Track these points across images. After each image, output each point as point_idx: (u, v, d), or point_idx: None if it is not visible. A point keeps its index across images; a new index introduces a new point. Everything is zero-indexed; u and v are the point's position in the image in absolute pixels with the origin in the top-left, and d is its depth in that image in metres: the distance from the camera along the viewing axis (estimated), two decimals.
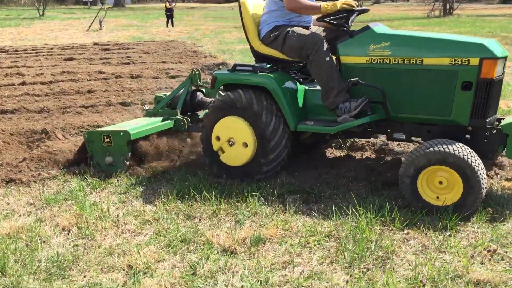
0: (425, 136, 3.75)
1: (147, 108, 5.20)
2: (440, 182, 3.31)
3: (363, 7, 3.93)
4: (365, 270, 2.73)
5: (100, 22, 23.52)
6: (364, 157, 4.61)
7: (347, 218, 3.31)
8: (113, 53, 12.80)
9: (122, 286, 2.65)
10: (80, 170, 4.37)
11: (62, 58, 11.81)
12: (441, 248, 2.93)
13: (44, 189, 4.04)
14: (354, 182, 3.96)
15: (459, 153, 3.20)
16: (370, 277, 2.65)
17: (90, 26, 23.27)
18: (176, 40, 16.70)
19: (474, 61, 3.37)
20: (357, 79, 3.63)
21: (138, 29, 23.45)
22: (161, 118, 4.72)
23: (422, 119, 3.71)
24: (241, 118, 3.93)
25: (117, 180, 4.17)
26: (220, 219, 3.40)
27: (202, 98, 5.01)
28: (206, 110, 4.98)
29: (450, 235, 3.06)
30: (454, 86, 3.47)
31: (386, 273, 2.66)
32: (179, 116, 4.70)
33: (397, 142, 4.83)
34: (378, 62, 3.64)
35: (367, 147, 4.79)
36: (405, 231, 3.13)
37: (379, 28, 3.76)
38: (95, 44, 14.98)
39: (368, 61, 3.67)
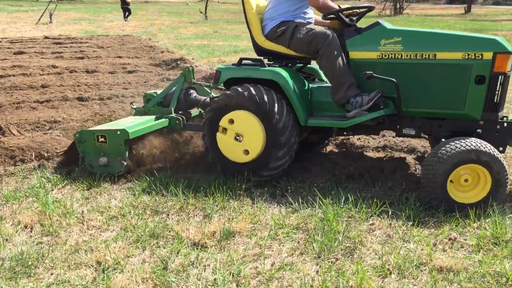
0: (436, 131, 3.81)
1: (135, 106, 4.91)
2: (466, 180, 3.35)
3: (370, 4, 3.95)
4: (334, 260, 2.80)
5: (50, 15, 22.74)
6: (327, 151, 4.70)
7: (314, 210, 3.38)
8: (66, 47, 12.39)
9: (92, 283, 2.60)
10: (40, 166, 4.24)
11: (11, 51, 11.32)
12: (405, 238, 3.04)
13: (2, 186, 3.89)
14: (318, 175, 4.04)
15: (489, 150, 3.24)
16: (339, 267, 2.72)
17: (39, 19, 22.44)
18: (131, 34, 16.34)
19: (488, 55, 3.47)
20: (371, 72, 3.63)
21: (91, 23, 22.83)
22: (154, 117, 4.46)
23: (434, 113, 3.75)
24: (256, 116, 3.79)
25: (79, 177, 4.07)
26: (189, 214, 3.39)
27: (195, 96, 4.78)
28: (200, 109, 4.85)
29: (412, 225, 3.18)
30: (468, 80, 3.53)
31: (355, 263, 2.74)
32: (173, 114, 4.49)
33: (358, 137, 4.96)
34: (390, 57, 3.68)
35: (328, 142, 4.89)
36: (370, 222, 3.23)
37: (388, 24, 3.80)
38: (46, 37, 14.44)
39: (379, 56, 3.71)
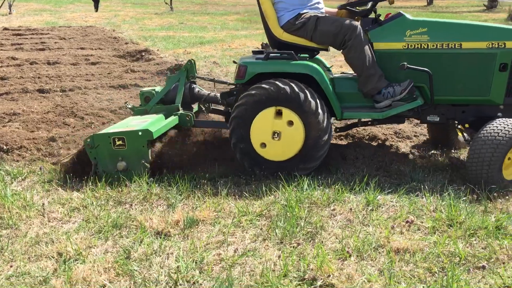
0: (459, 116, 3.98)
1: (130, 106, 4.59)
2: (509, 158, 3.52)
3: None
4: (295, 245, 2.85)
5: (10, 6, 22.01)
6: None
7: (277, 197, 3.43)
8: (26, 38, 12.07)
9: (53, 274, 2.58)
10: None
11: None
12: (365, 222, 3.12)
13: None
14: None
15: None
16: (301, 251, 2.78)
17: None
18: (94, 26, 16.01)
19: (510, 44, 3.72)
20: (405, 63, 3.71)
21: (52, 14, 22.21)
22: (162, 115, 4.20)
23: (461, 100, 3.91)
24: (301, 121, 3.71)
25: (40, 169, 4.00)
26: (152, 204, 3.39)
27: (199, 91, 4.58)
28: (201, 105, 4.68)
29: (372, 210, 3.27)
30: (493, 68, 3.76)
31: (316, 247, 2.80)
32: (182, 111, 4.27)
33: None
34: (416, 47, 3.79)
35: None
36: (332, 208, 3.30)
37: (409, 15, 3.88)
38: (5, 29, 14.01)
39: (405, 46, 3.80)
